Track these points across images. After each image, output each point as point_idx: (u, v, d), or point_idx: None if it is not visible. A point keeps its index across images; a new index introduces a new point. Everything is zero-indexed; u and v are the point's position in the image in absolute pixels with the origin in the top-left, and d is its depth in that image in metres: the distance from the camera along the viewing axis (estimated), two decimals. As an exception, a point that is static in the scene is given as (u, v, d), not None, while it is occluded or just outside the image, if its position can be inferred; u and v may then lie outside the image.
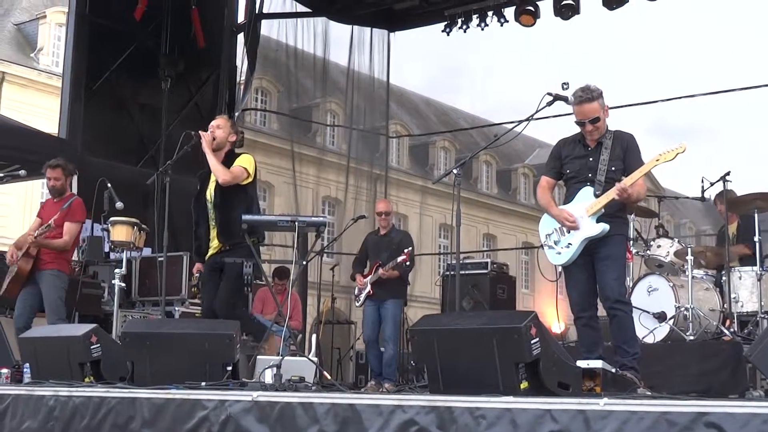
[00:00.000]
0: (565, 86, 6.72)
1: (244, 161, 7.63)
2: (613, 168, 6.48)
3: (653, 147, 6.55)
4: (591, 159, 6.56)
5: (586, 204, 6.50)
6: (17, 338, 8.55)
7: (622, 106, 7.02)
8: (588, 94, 6.54)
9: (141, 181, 10.15)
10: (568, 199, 6.67)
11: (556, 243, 6.64)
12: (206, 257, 7.70)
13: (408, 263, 9.65)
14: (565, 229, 6.58)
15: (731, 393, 7.12)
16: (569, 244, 6.56)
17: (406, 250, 9.56)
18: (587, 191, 6.52)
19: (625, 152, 6.51)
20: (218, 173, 7.44)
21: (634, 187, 6.39)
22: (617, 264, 6.49)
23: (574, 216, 6.50)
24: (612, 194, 6.36)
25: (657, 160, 6.35)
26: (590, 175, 6.53)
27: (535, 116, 6.88)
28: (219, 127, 7.75)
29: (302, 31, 15.42)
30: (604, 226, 6.42)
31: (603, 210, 6.43)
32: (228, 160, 7.67)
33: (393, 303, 9.70)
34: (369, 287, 9.71)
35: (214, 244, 7.61)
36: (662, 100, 14.22)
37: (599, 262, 6.46)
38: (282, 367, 6.13)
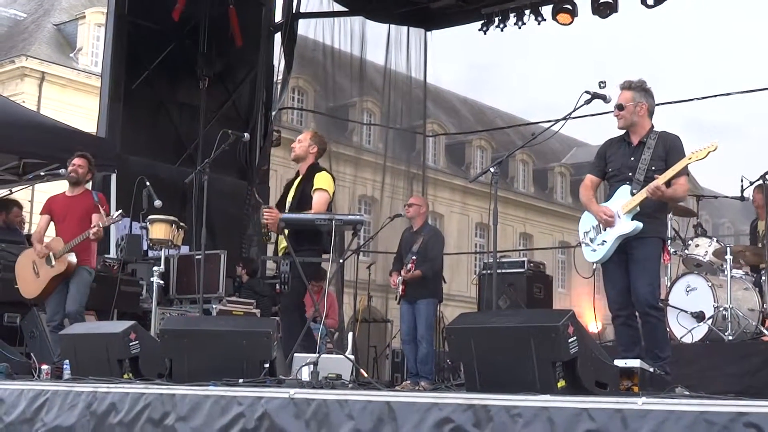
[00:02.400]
0: (602, 85, 6.70)
1: (324, 182, 7.82)
2: (653, 168, 6.43)
3: (689, 145, 6.52)
4: (632, 158, 6.54)
5: (622, 202, 6.48)
6: (51, 336, 8.65)
7: (657, 104, 6.98)
8: (627, 84, 6.61)
9: (179, 180, 10.25)
10: (608, 197, 6.66)
11: (592, 240, 6.63)
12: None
13: (429, 266, 9.65)
14: (601, 226, 6.57)
15: (770, 393, 7.06)
16: (604, 241, 6.55)
17: (413, 258, 9.57)
18: (624, 189, 6.50)
19: (668, 153, 6.46)
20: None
21: (673, 186, 6.36)
22: (651, 267, 6.45)
23: (611, 211, 6.49)
24: (645, 192, 6.33)
25: (689, 159, 6.33)
26: (630, 173, 6.51)
27: (572, 115, 6.86)
28: (299, 141, 8.06)
29: (339, 31, 15.46)
30: (637, 224, 6.38)
31: (638, 208, 6.40)
32: (309, 173, 7.91)
33: (425, 302, 9.67)
34: (401, 287, 9.71)
35: (281, 248, 7.76)
36: (698, 98, 14.12)
37: (633, 264, 6.44)
38: (319, 365, 6.15)
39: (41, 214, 9.09)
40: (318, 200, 7.72)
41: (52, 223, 9.03)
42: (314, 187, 7.79)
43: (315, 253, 7.73)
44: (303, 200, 7.76)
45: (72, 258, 8.63)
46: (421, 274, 9.59)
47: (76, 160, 9.00)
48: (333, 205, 7.90)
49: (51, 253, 8.67)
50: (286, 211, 7.78)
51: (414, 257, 9.60)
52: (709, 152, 6.26)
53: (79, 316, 8.56)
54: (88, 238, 8.62)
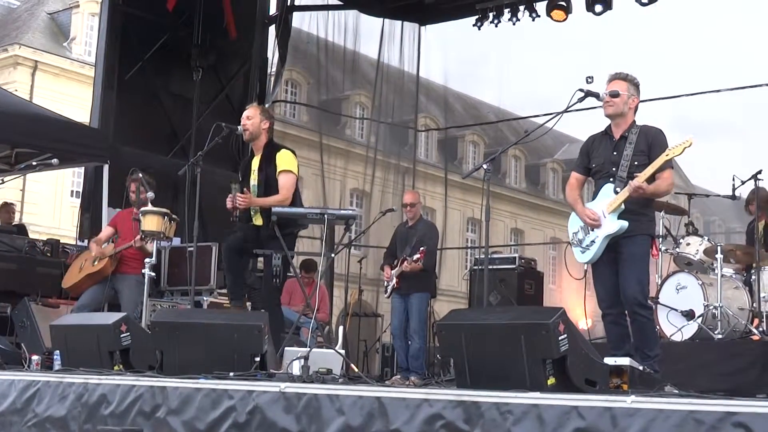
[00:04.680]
0: (589, 80, 6.71)
1: (288, 163, 7.72)
2: (636, 163, 6.44)
3: (677, 142, 6.51)
4: (615, 153, 6.56)
5: (607, 201, 6.49)
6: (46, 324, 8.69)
7: (646, 101, 6.95)
8: (621, 75, 6.63)
9: (172, 172, 10.23)
10: (594, 195, 6.68)
11: (581, 241, 6.65)
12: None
13: (427, 259, 9.61)
14: (588, 227, 6.59)
15: (759, 393, 7.07)
16: (592, 242, 6.57)
17: (421, 249, 9.51)
18: (608, 188, 6.52)
19: (650, 147, 6.46)
20: (277, 203, 7.57)
21: (656, 181, 6.37)
22: (639, 266, 6.45)
23: (596, 214, 6.51)
24: (627, 191, 6.35)
25: (666, 155, 6.34)
26: (613, 169, 6.52)
27: (565, 111, 6.87)
28: (249, 118, 7.83)
29: (333, 24, 15.45)
30: (623, 224, 6.40)
31: (623, 207, 6.41)
32: (268, 152, 7.77)
33: (418, 296, 9.66)
34: (395, 280, 9.69)
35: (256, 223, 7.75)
36: (687, 95, 14.10)
37: (621, 263, 6.45)
38: (309, 359, 6.16)
39: (108, 225, 9.61)
40: (285, 183, 7.66)
41: None
42: (279, 169, 7.71)
43: (292, 236, 7.76)
44: (269, 184, 7.70)
45: (109, 266, 8.99)
46: (423, 267, 9.57)
47: (133, 185, 9.43)
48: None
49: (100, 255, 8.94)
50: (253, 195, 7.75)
51: (423, 248, 9.50)
52: (685, 148, 6.29)
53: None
54: (132, 248, 9.04)
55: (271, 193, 7.64)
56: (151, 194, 9.46)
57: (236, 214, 7.73)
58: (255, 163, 7.84)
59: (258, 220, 7.68)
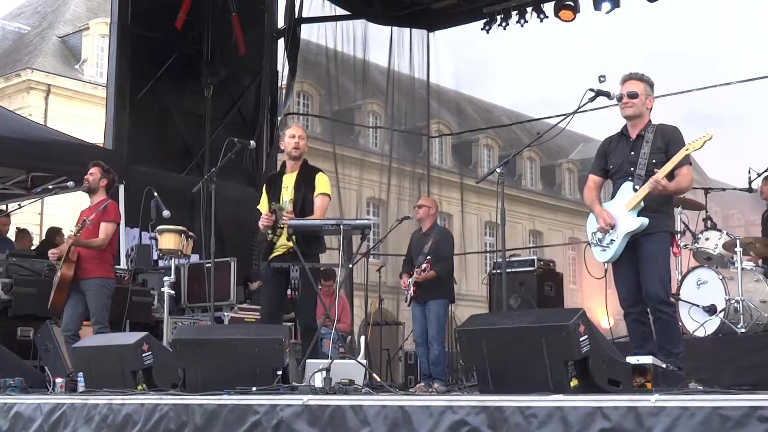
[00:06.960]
0: (602, 79, 6.70)
1: (326, 186, 7.99)
2: (654, 161, 6.43)
3: (690, 137, 6.49)
4: (632, 153, 6.55)
5: (626, 199, 6.47)
6: (66, 347, 8.67)
7: (657, 97, 6.92)
8: (637, 75, 6.61)
9: (187, 189, 10.24)
10: (612, 195, 6.65)
11: (600, 240, 6.62)
12: (269, 258, 7.87)
13: (441, 265, 9.62)
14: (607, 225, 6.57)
15: (784, 386, 7.04)
16: (612, 240, 6.54)
17: (427, 258, 9.53)
18: (627, 186, 6.50)
19: (667, 144, 6.46)
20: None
21: (677, 177, 6.35)
22: (660, 263, 6.43)
23: (612, 217, 6.49)
24: (647, 187, 6.33)
25: (686, 150, 6.32)
26: (631, 168, 6.51)
27: (577, 112, 6.86)
28: (301, 138, 7.99)
29: (342, 34, 15.50)
30: (643, 221, 6.37)
31: (642, 204, 6.39)
32: (308, 174, 7.94)
33: (435, 303, 9.64)
34: (411, 289, 9.68)
35: (281, 247, 7.78)
36: (698, 89, 14.04)
37: (642, 261, 6.42)
38: (331, 370, 6.15)
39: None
40: (322, 205, 7.85)
41: None
42: (318, 192, 7.87)
43: (316, 256, 7.87)
44: (306, 204, 7.81)
45: (66, 270, 8.62)
46: (436, 275, 9.56)
47: (90, 169, 9.07)
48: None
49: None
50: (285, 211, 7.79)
51: (428, 257, 9.55)
52: (705, 141, 6.27)
53: (101, 330, 8.56)
54: (90, 248, 8.69)
55: (306, 213, 7.75)
56: (166, 212, 9.48)
57: (270, 234, 7.75)
58: (288, 180, 7.93)
59: (281, 246, 7.74)
